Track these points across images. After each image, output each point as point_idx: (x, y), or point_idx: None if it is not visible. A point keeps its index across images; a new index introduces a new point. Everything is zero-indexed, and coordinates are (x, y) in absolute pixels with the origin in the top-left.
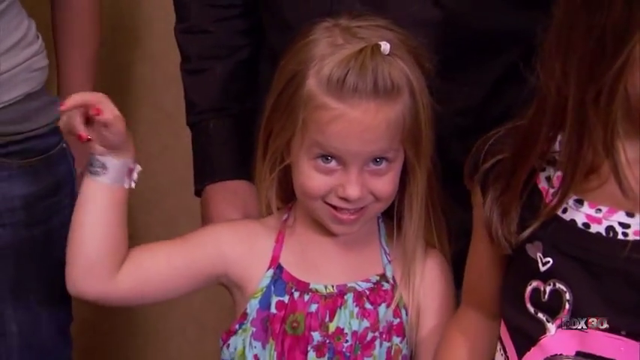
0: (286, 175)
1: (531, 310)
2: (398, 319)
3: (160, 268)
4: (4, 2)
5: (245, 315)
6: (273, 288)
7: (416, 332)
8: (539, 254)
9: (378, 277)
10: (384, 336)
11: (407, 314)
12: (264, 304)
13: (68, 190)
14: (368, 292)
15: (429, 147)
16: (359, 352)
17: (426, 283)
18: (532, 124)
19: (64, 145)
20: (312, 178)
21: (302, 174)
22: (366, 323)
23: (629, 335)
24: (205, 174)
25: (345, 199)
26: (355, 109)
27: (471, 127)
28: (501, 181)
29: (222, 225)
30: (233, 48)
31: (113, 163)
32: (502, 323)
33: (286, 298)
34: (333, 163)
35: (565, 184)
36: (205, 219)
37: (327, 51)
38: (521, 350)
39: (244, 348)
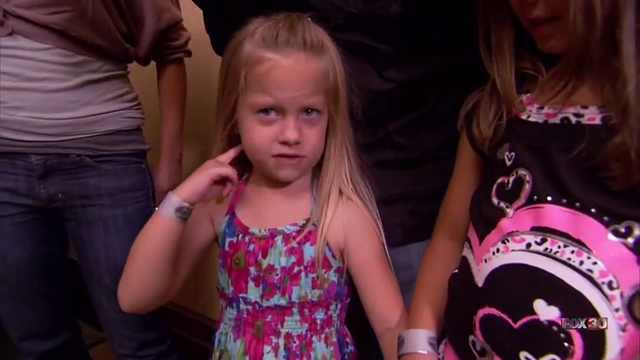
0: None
1: (495, 201)
2: (322, 254)
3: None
4: (110, 72)
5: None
6: (227, 230)
7: (351, 261)
8: (506, 153)
9: (304, 221)
10: (308, 269)
11: (330, 249)
12: (223, 242)
13: (142, 194)
14: (295, 234)
15: (345, 106)
16: (287, 283)
17: (346, 225)
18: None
19: (143, 166)
20: (257, 131)
21: (248, 130)
22: (292, 259)
23: (582, 209)
24: None
25: (285, 143)
26: (289, 58)
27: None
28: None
29: None
30: None
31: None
32: (470, 226)
33: (234, 239)
34: (272, 114)
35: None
36: None
37: (258, 25)
38: (482, 236)
39: (219, 270)
